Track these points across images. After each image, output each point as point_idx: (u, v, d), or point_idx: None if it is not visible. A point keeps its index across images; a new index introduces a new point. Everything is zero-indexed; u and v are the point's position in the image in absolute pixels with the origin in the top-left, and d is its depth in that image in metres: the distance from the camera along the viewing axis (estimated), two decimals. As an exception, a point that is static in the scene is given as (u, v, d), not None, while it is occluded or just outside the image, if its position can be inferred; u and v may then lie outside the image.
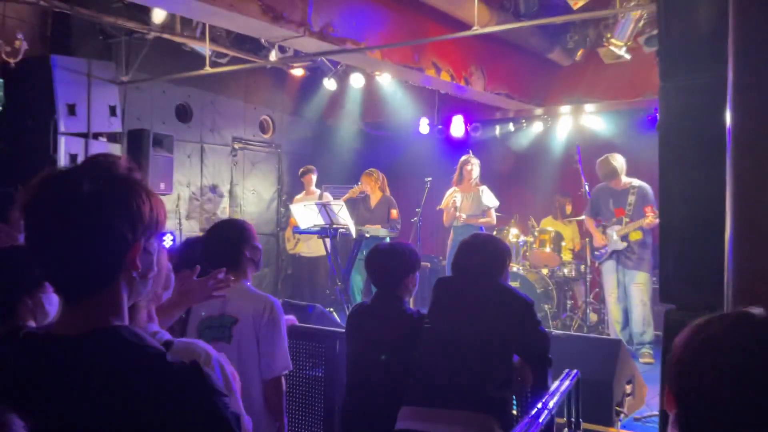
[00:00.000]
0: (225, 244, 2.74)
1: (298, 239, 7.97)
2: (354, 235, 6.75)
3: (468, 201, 6.86)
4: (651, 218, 5.73)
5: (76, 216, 1.07)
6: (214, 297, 2.24)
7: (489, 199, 6.87)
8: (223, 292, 2.25)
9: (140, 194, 1.13)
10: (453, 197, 6.85)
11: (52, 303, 2.16)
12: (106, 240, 1.08)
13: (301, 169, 8.10)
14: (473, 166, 6.87)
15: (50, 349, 1.09)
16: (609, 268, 6.17)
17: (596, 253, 6.34)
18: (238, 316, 2.64)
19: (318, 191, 7.88)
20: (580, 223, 7.06)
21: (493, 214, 6.90)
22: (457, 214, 6.75)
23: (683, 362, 1.10)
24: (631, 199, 5.99)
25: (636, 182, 6.05)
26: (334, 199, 7.37)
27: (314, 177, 7.96)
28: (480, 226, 6.72)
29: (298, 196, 8.01)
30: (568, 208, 7.88)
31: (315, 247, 7.65)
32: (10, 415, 0.88)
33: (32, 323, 2.07)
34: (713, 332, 1.09)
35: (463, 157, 7.00)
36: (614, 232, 6.07)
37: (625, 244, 6.01)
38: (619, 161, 6.10)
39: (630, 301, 5.99)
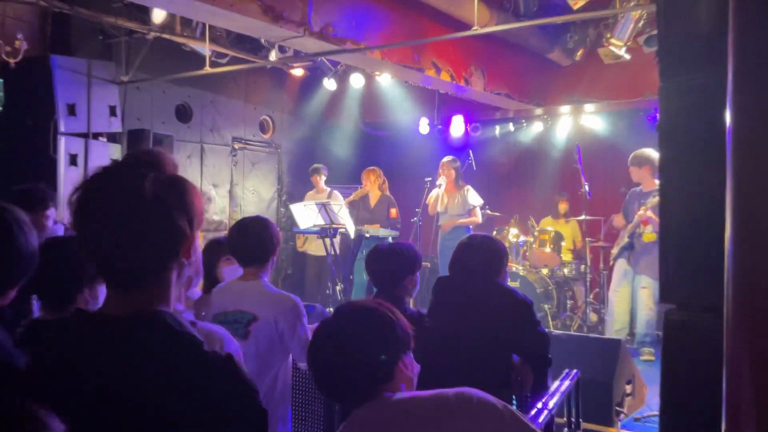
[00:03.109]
0: (259, 241, 2.71)
1: (306, 237, 7.97)
2: (353, 236, 6.74)
3: (454, 201, 7.03)
4: (635, 217, 5.82)
5: (143, 217, 1.12)
6: None
7: (474, 198, 7.06)
8: None
9: (191, 190, 1.20)
10: (437, 188, 7.00)
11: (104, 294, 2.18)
12: (169, 238, 1.15)
13: (310, 168, 8.11)
14: (453, 169, 7.04)
15: (97, 326, 1.15)
16: (619, 265, 6.19)
17: (612, 251, 6.35)
18: (257, 314, 2.61)
19: (328, 189, 7.89)
20: (580, 223, 7.05)
21: (478, 212, 7.08)
22: (441, 210, 6.94)
23: None
24: (651, 201, 5.97)
25: None
26: (343, 198, 7.42)
27: (321, 176, 7.96)
28: (467, 228, 6.89)
29: (309, 193, 8.02)
30: (562, 208, 7.83)
31: (322, 247, 7.64)
32: (51, 417, 0.90)
33: None
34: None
35: (444, 160, 7.15)
36: (624, 231, 6.11)
37: (626, 239, 6.03)
38: (652, 155, 5.92)
39: (636, 304, 6.01)
